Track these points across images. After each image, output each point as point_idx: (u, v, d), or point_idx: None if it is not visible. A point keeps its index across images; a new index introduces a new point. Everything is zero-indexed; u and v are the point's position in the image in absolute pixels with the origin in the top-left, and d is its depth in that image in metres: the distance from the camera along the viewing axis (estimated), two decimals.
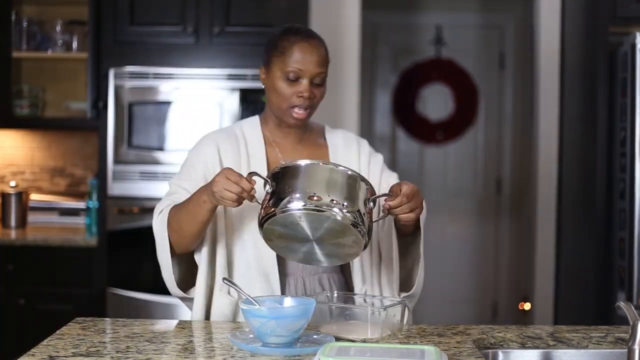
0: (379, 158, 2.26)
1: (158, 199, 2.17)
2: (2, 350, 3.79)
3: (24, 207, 4.25)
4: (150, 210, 3.86)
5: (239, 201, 1.89)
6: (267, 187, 1.86)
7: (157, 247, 2.09)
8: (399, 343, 1.80)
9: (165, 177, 3.79)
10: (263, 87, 2.14)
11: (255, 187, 1.90)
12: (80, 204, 4.28)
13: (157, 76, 3.87)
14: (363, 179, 1.86)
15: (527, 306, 4.75)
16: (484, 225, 5.70)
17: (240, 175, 1.88)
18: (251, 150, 2.15)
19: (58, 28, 4.24)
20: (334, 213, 1.78)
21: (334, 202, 1.79)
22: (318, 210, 1.78)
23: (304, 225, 1.81)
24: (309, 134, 2.22)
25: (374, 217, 1.89)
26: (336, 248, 1.86)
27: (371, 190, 1.88)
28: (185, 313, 3.81)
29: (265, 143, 2.17)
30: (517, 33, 5.60)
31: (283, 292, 2.08)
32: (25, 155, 4.48)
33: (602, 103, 3.73)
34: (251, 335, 1.76)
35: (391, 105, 5.77)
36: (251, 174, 1.90)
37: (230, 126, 2.26)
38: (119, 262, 3.88)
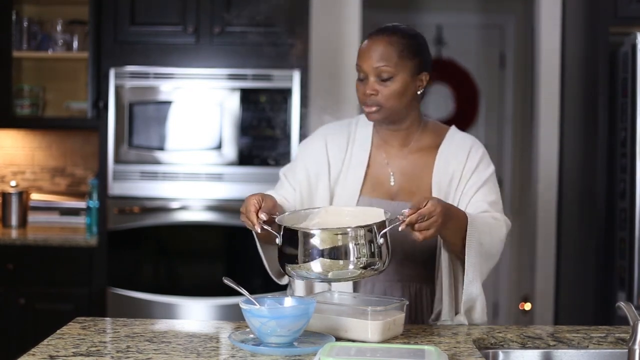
0: (484, 173, 2.10)
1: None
2: (2, 350, 3.79)
3: (25, 207, 4.25)
4: (150, 210, 3.89)
5: (253, 229, 1.88)
6: (277, 240, 1.84)
7: None
8: (399, 343, 1.80)
9: (165, 176, 3.79)
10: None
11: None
12: (81, 204, 4.28)
13: (158, 76, 3.87)
14: (367, 227, 1.79)
15: (527, 306, 4.75)
16: None
17: (255, 206, 1.86)
18: (356, 150, 2.14)
19: (58, 28, 4.24)
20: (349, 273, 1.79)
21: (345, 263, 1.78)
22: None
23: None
24: (420, 136, 2.16)
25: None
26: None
27: (381, 224, 1.81)
28: (185, 313, 3.82)
29: (372, 145, 2.15)
30: (518, 33, 5.59)
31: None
32: (25, 155, 4.48)
33: (603, 103, 3.73)
34: (251, 335, 1.76)
35: None
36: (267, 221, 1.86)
37: (350, 120, 2.22)
38: (119, 262, 3.88)
